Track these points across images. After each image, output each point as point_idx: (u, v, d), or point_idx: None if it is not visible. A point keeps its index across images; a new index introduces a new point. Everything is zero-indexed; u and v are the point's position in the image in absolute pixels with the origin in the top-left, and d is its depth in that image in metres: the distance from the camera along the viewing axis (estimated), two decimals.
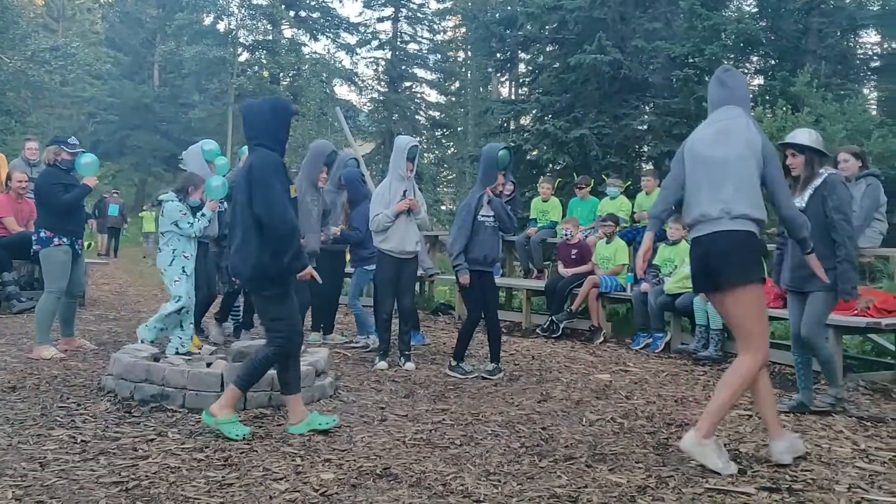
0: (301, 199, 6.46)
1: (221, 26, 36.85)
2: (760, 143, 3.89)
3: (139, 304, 10.47)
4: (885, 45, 19.85)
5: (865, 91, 18.09)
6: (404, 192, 6.46)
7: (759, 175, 3.88)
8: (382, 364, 6.42)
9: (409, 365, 6.45)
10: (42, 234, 6.44)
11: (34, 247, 6.52)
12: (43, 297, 6.50)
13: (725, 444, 4.25)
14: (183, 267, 6.08)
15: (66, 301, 6.63)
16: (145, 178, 35.77)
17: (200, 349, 6.11)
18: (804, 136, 4.95)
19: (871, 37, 19.73)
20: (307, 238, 6.36)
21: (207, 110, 33.14)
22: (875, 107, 17.89)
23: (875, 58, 19.07)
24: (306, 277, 4.39)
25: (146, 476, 3.53)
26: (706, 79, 14.79)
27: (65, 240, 6.47)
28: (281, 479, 3.56)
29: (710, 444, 3.77)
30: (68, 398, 4.97)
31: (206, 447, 4.00)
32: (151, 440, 4.11)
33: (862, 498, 3.41)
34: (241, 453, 3.92)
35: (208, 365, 5.18)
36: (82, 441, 4.05)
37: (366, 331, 7.47)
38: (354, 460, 3.86)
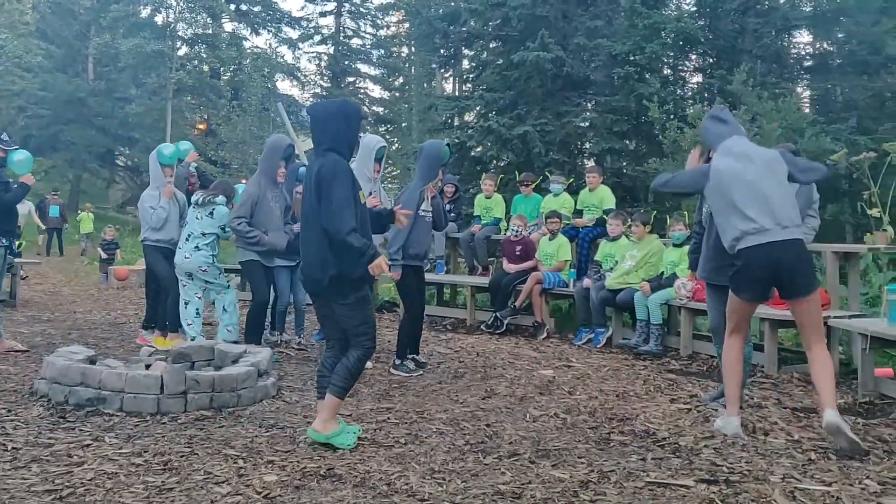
0: (262, 197, 6.37)
1: (159, 19, 35.93)
2: (777, 153, 4.46)
3: (74, 305, 10.19)
4: (818, 46, 20.42)
5: (799, 90, 18.58)
6: (370, 193, 6.39)
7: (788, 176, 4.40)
8: None
9: (368, 364, 6.39)
10: None
11: None
12: None
13: (664, 438, 4.36)
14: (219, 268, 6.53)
15: None
16: (80, 174, 34.68)
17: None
18: None
19: (804, 37, 20.29)
20: (271, 236, 6.28)
21: (145, 105, 32.26)
22: (808, 105, 18.40)
23: (808, 57, 19.60)
24: (379, 271, 4.13)
25: (81, 483, 3.44)
26: (646, 76, 15.01)
27: (3, 240, 6.28)
28: (223, 482, 3.51)
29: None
30: None
31: (145, 451, 3.91)
32: (87, 446, 4.00)
33: (795, 487, 3.51)
34: (181, 457, 3.84)
35: (147, 367, 5.06)
36: (13, 448, 3.92)
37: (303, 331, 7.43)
38: (298, 461, 3.82)
